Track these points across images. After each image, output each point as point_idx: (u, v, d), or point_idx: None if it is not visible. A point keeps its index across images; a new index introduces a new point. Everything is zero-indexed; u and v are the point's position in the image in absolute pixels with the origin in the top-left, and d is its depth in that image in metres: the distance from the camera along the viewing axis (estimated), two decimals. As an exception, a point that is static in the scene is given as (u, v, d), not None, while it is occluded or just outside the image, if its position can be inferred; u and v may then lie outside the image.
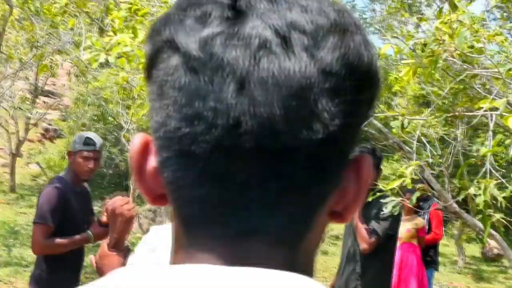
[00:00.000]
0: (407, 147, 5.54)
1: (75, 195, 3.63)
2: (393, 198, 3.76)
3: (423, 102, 9.35)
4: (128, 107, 10.74)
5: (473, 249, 13.31)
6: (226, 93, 0.46)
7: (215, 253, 0.49)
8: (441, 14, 3.38)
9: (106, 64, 5.75)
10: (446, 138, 8.43)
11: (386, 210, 3.87)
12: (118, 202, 2.10)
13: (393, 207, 3.80)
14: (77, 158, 3.61)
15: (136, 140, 0.53)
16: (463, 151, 9.88)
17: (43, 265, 3.58)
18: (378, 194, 3.69)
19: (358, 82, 0.49)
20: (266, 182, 0.48)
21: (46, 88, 14.62)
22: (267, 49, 0.46)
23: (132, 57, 4.55)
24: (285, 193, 0.49)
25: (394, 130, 4.31)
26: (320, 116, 0.47)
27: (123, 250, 2.07)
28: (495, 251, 12.27)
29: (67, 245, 3.52)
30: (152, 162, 0.53)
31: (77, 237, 3.54)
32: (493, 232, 4.17)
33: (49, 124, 15.68)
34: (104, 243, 2.08)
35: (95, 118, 13.75)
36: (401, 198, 3.86)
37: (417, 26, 7.23)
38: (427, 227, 6.78)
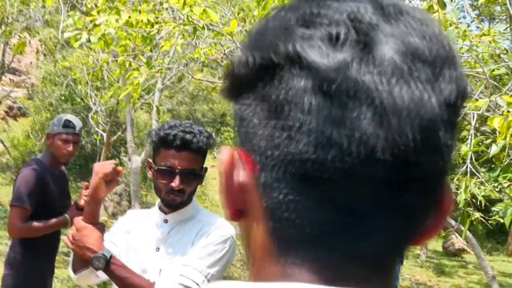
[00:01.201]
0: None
1: (53, 178, 3.55)
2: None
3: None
4: (97, 89, 10.59)
5: (435, 244, 13.57)
6: (362, 121, 0.45)
7: (314, 274, 0.49)
8: (430, 11, 3.40)
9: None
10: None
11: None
12: (105, 164, 2.09)
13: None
14: (55, 141, 3.52)
15: (226, 153, 0.53)
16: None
17: (18, 248, 3.52)
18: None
19: (461, 113, 0.50)
20: (387, 211, 0.48)
21: (12, 65, 14.31)
22: (400, 77, 0.46)
23: (110, 40, 4.46)
24: (400, 223, 0.49)
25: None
26: (440, 147, 0.48)
27: (98, 224, 2.10)
28: (457, 246, 12.53)
29: (44, 229, 3.46)
30: (239, 177, 0.52)
31: (54, 220, 3.47)
32: (462, 228, 4.25)
33: (14, 102, 15.37)
34: (78, 219, 2.09)
35: (63, 98, 13.53)
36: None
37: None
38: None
